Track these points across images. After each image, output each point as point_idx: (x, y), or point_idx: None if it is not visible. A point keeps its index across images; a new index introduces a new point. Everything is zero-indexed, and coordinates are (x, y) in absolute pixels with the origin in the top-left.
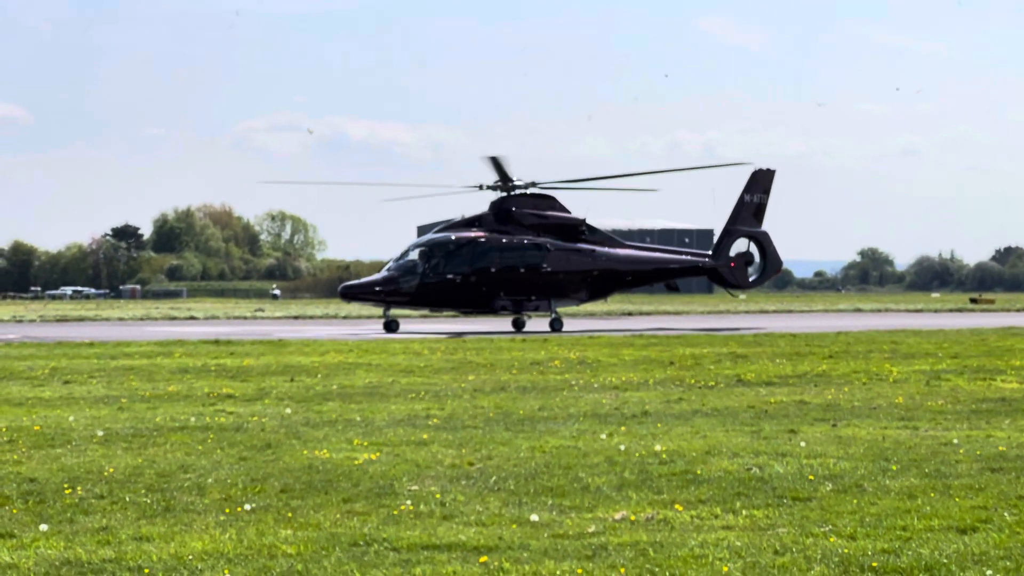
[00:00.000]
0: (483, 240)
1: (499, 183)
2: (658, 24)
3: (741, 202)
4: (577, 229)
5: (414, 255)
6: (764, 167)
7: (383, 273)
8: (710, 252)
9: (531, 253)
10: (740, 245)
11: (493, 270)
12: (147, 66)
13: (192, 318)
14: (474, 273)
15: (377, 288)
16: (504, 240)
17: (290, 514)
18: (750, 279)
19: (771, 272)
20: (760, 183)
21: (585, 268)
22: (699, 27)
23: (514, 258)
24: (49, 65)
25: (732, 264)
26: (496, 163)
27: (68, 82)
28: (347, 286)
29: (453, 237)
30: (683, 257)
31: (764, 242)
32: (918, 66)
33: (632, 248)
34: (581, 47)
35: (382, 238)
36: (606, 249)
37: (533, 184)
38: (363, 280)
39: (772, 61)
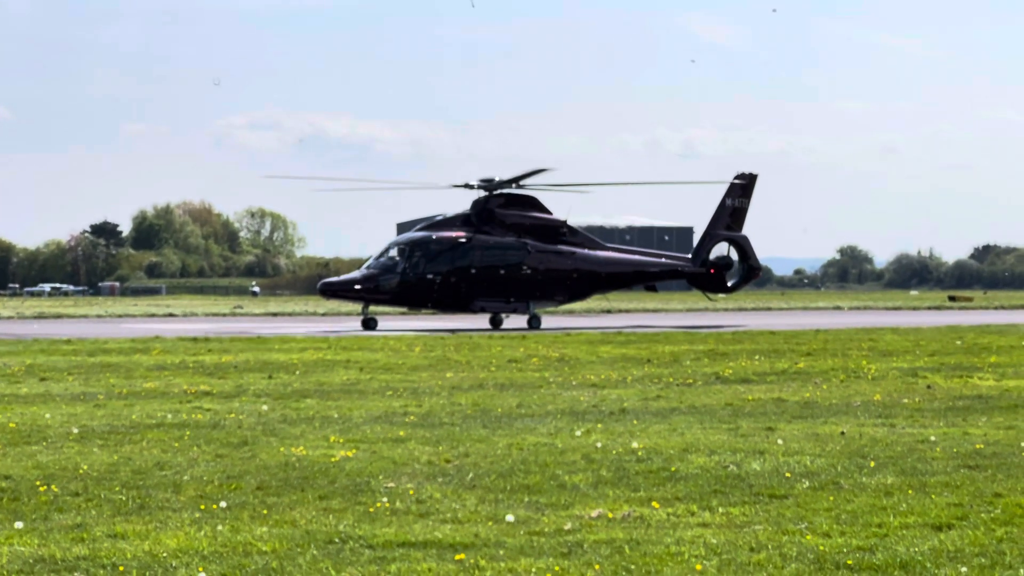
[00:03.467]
0: (463, 240)
1: (483, 183)
2: (637, 20)
3: (722, 206)
4: (558, 230)
5: (394, 253)
6: (747, 171)
7: (363, 271)
8: (689, 256)
9: (511, 254)
10: (720, 249)
11: (473, 270)
12: (127, 63)
13: (171, 315)
14: (454, 273)
15: (356, 286)
16: (484, 240)
17: (266, 511)
18: (729, 283)
19: (750, 276)
20: (741, 187)
21: (565, 270)
22: (678, 23)
23: (494, 258)
24: (29, 62)
25: (712, 270)
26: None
27: (48, 79)
28: (326, 283)
29: (434, 236)
30: (662, 261)
31: (744, 246)
32: (897, 64)
33: (612, 250)
34: (560, 44)
35: (362, 235)
36: (586, 251)
37: (492, 182)
38: (343, 277)
39: (751, 58)
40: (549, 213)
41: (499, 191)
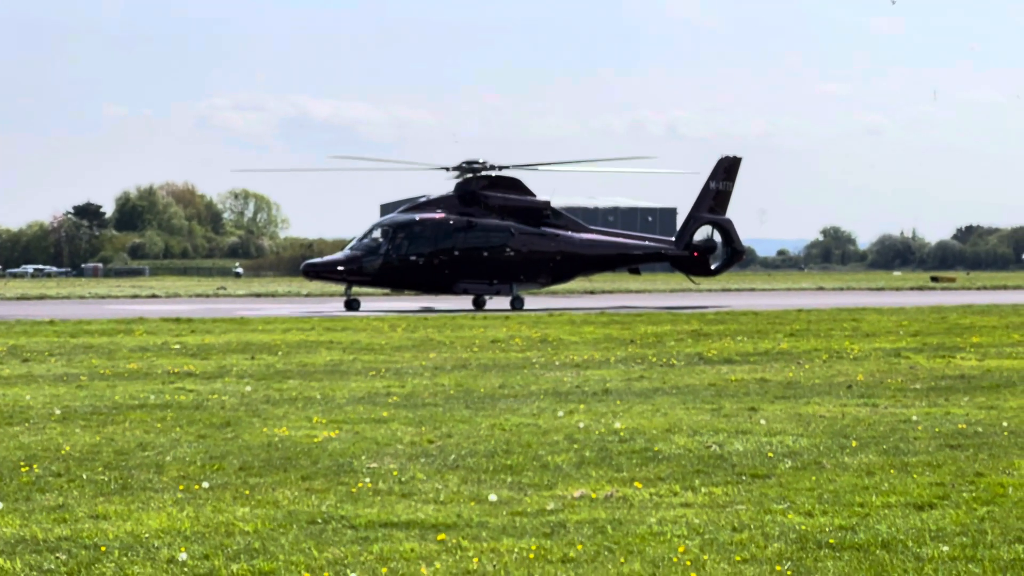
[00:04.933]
0: (447, 222)
1: (465, 164)
2: (620, 1)
3: (706, 189)
4: (541, 213)
5: (377, 235)
6: (731, 154)
7: (346, 252)
8: (673, 239)
9: (495, 236)
10: (703, 232)
11: (456, 252)
12: (109, 43)
13: (154, 296)
14: (437, 254)
15: (340, 267)
16: (468, 222)
17: (248, 492)
18: (712, 267)
19: (734, 259)
20: (726, 170)
21: (548, 252)
22: (662, 4)
23: (477, 241)
24: (9, 42)
25: (695, 253)
26: None
27: (29, 59)
28: (309, 264)
29: (417, 218)
30: (646, 243)
31: (728, 229)
32: (881, 46)
33: (596, 232)
34: (542, 24)
35: (345, 216)
36: (570, 233)
37: (493, 167)
38: (326, 258)
39: (734, 40)
40: (533, 195)
41: (483, 173)
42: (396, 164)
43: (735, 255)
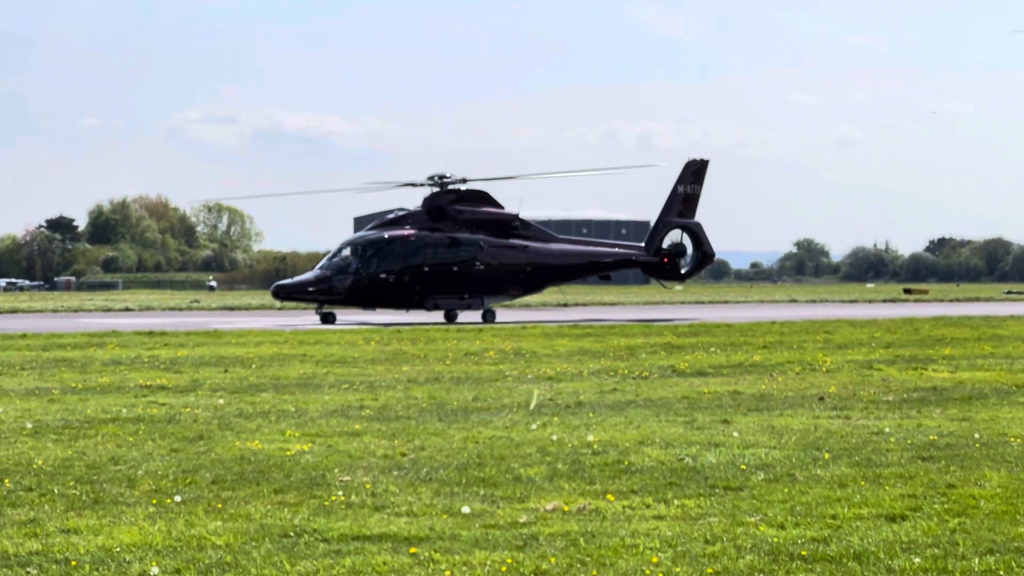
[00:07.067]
0: (415, 238)
1: (433, 179)
2: (591, 12)
3: (674, 193)
4: (510, 224)
5: (347, 253)
6: (698, 158)
7: (316, 272)
8: (643, 244)
9: (464, 250)
10: (673, 236)
11: (426, 268)
12: (81, 57)
13: (127, 309)
14: (406, 271)
15: (310, 288)
16: (436, 237)
17: (220, 505)
18: (683, 271)
19: (704, 263)
20: (693, 174)
21: (518, 263)
22: (632, 15)
23: (447, 255)
24: None
25: (665, 258)
26: None
27: (1, 73)
28: (279, 286)
29: (386, 235)
30: (616, 250)
31: (697, 232)
32: (853, 57)
33: (565, 242)
34: (514, 36)
35: (319, 229)
36: (539, 244)
37: (464, 180)
38: (296, 279)
39: (706, 51)
40: (501, 207)
41: (450, 187)
42: (373, 185)
43: (705, 258)
